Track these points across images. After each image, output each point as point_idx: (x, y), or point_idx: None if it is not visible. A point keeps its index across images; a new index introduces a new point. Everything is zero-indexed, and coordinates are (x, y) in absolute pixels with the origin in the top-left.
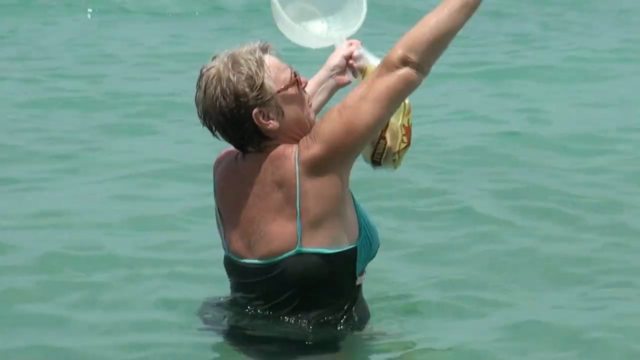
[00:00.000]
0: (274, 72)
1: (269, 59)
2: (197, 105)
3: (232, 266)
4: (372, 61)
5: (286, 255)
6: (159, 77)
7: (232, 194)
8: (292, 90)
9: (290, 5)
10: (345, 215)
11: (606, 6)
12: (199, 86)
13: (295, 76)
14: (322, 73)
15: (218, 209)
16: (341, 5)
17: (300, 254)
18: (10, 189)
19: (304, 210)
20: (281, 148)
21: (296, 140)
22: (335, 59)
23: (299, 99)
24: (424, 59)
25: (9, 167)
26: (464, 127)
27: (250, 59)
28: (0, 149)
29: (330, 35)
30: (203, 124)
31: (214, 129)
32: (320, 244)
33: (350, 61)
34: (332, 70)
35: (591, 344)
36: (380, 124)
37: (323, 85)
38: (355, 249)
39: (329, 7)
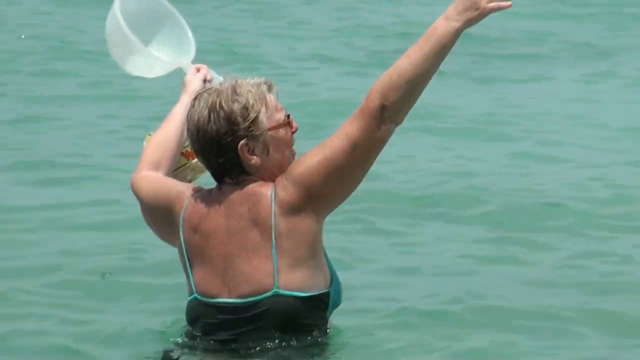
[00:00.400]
0: (271, 110)
1: (269, 97)
2: (188, 124)
3: (200, 309)
4: (218, 82)
5: (264, 296)
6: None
7: (206, 229)
8: (282, 132)
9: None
10: (320, 259)
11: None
12: (193, 105)
13: (289, 119)
14: (188, 99)
15: (186, 246)
16: (157, 35)
17: (277, 296)
18: None
19: (280, 250)
20: (257, 185)
21: (273, 180)
22: (197, 83)
23: (286, 142)
24: (400, 111)
25: None
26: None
27: (251, 91)
28: None
29: (180, 60)
30: (190, 143)
31: (197, 150)
32: (297, 287)
33: (206, 84)
34: None
35: None
36: (360, 173)
37: None
38: (328, 293)
39: (147, 38)
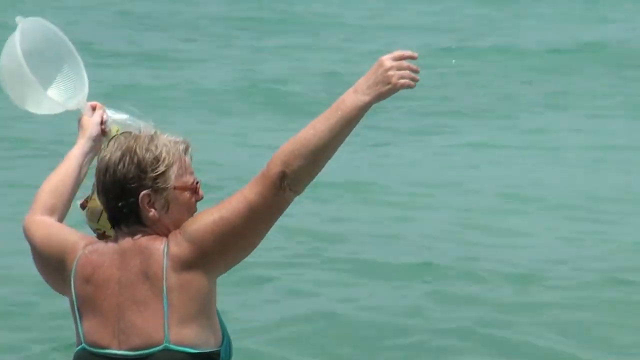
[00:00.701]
0: (182, 170)
1: (184, 157)
2: (98, 162)
3: (89, 359)
4: (117, 117)
5: (154, 349)
6: None
7: (99, 279)
8: (187, 195)
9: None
10: (211, 316)
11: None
12: (107, 145)
13: (196, 185)
14: (85, 143)
15: (76, 297)
16: (53, 73)
17: (167, 350)
18: None
19: (171, 305)
20: (151, 238)
21: (167, 235)
22: (94, 128)
23: (188, 206)
24: (301, 181)
25: None
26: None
27: (167, 146)
28: None
29: (75, 101)
30: (95, 181)
31: (100, 190)
32: (187, 343)
33: (102, 126)
34: (95, 140)
35: None
36: (252, 239)
37: (89, 156)
38: (218, 352)
39: (44, 75)
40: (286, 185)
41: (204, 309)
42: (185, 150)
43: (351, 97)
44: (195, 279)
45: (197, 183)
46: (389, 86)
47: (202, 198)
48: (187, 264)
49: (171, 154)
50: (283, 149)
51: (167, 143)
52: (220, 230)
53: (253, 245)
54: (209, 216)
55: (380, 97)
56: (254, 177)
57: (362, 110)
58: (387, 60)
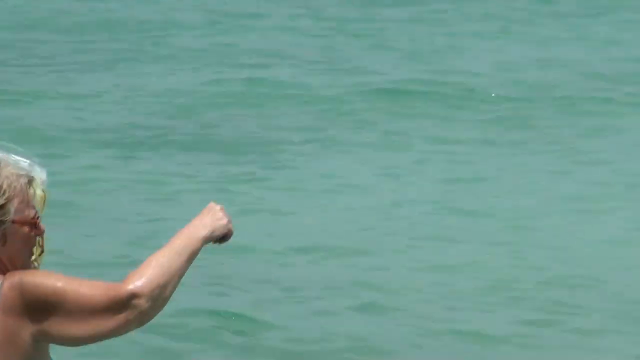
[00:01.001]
0: (23, 204)
1: (27, 191)
2: None
3: None
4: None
5: None
6: None
7: None
8: (25, 229)
9: None
10: None
11: None
12: None
13: (37, 218)
14: None
15: None
16: None
17: None
18: None
19: None
20: None
21: (2, 271)
22: None
23: (27, 241)
24: (149, 304)
25: None
26: None
27: (9, 177)
28: None
29: None
30: None
31: None
32: None
33: None
34: None
35: None
36: (74, 330)
37: None
38: None
39: None
40: (134, 305)
41: None
42: (29, 183)
43: (188, 232)
44: (18, 328)
45: (37, 217)
46: (222, 222)
47: (42, 232)
48: (13, 310)
49: (12, 187)
50: (138, 271)
51: (9, 175)
52: (51, 301)
53: (74, 342)
54: (52, 280)
55: (214, 231)
56: (110, 284)
57: (200, 243)
58: (216, 204)
